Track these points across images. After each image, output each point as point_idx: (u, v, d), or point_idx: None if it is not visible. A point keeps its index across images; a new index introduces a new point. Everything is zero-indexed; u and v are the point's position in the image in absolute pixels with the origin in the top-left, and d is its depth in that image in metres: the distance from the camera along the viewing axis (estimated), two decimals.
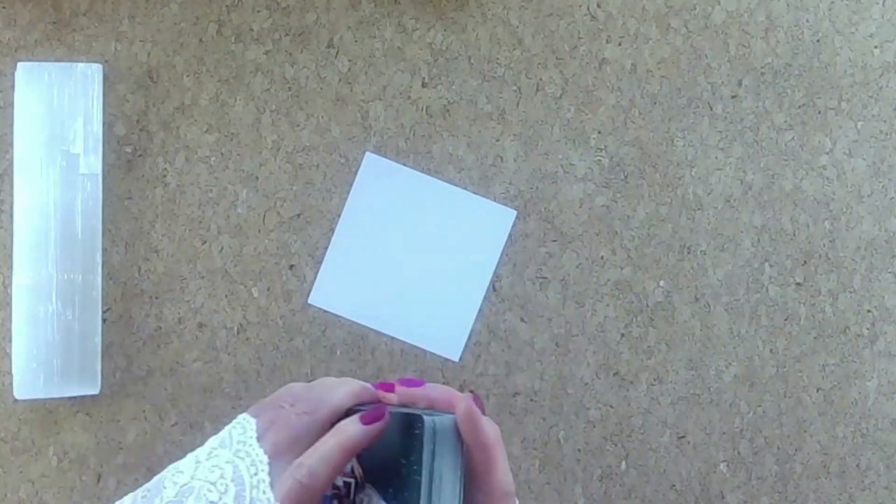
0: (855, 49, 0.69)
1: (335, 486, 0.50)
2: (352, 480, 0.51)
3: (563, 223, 0.68)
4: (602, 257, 0.68)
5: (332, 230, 0.67)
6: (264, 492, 0.45)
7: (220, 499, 0.44)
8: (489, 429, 0.47)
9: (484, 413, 0.47)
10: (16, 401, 0.64)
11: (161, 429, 0.65)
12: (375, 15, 0.68)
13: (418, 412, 0.48)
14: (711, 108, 0.69)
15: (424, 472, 0.49)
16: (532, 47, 0.68)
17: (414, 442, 0.48)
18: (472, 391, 0.48)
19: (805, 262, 0.68)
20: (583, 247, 0.68)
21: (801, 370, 0.68)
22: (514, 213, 0.68)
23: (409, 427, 0.49)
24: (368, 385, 0.51)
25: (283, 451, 0.46)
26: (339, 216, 0.67)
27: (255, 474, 0.45)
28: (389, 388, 0.51)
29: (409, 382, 0.51)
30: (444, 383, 0.66)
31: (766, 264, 0.68)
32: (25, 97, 0.64)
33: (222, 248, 0.67)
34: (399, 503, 0.48)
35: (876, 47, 0.69)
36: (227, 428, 0.47)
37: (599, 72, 0.68)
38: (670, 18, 0.69)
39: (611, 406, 0.67)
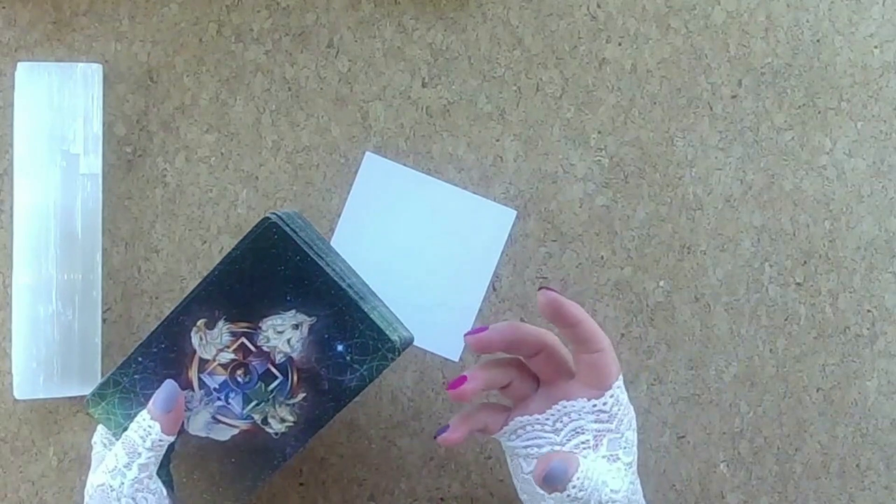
0: (855, 49, 0.69)
1: (224, 364, 0.55)
2: (240, 339, 0.55)
3: (563, 223, 0.68)
4: (602, 257, 0.68)
5: (332, 230, 0.67)
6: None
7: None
8: (574, 307, 0.53)
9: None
10: (16, 401, 0.64)
11: None
12: (375, 15, 0.68)
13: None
14: (711, 108, 0.69)
15: (303, 247, 0.54)
16: (532, 47, 0.68)
17: (277, 245, 0.54)
18: (541, 287, 0.53)
19: (805, 262, 0.68)
20: (583, 247, 0.68)
21: (801, 370, 0.68)
22: (514, 213, 0.68)
23: (264, 241, 0.54)
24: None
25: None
26: (339, 216, 0.67)
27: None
28: (461, 380, 0.54)
29: (475, 331, 0.55)
30: (443, 383, 0.66)
31: (766, 264, 0.68)
32: (25, 97, 0.64)
33: (222, 248, 0.67)
34: (304, 297, 0.54)
35: (876, 47, 0.69)
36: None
37: (599, 72, 0.68)
38: (670, 18, 0.69)
39: None
